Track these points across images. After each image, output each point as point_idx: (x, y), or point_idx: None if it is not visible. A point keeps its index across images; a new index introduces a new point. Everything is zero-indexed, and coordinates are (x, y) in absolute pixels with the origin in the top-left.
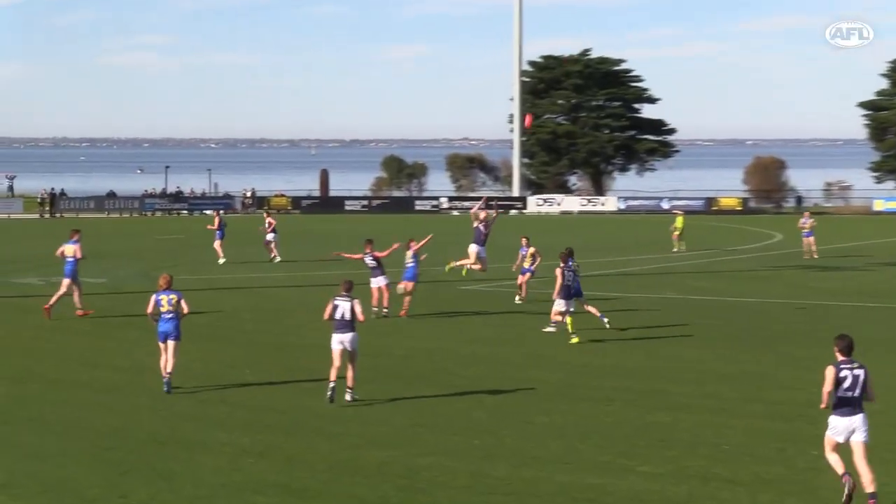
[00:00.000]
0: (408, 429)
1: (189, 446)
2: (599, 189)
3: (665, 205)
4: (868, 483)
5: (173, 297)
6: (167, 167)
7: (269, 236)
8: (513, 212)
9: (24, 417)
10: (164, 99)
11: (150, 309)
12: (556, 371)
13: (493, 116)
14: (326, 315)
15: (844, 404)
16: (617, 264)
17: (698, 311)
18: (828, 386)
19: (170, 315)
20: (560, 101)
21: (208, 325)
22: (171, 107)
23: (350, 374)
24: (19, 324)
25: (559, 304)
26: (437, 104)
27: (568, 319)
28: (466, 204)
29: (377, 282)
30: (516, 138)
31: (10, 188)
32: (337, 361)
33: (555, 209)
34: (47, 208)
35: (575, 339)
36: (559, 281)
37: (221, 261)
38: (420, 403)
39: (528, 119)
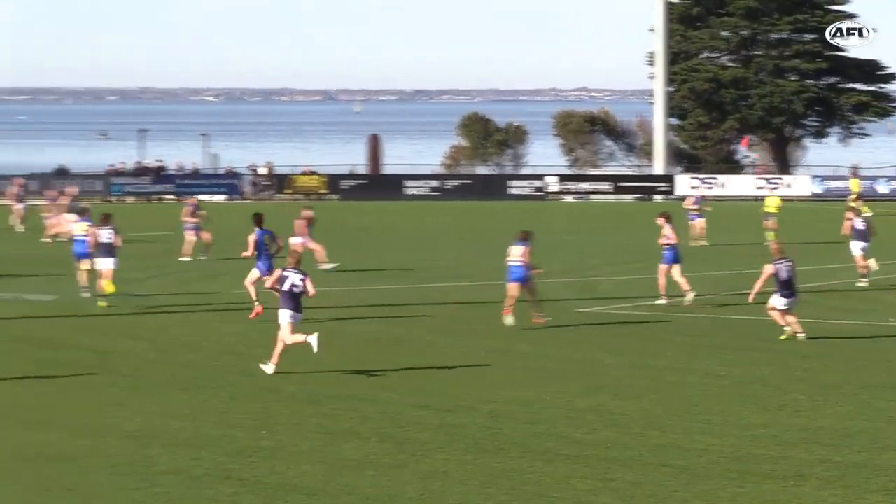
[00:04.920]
0: None
1: None
2: (783, 164)
3: (882, 187)
4: None
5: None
6: (143, 131)
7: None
8: (656, 197)
9: None
10: (139, 30)
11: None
12: (726, 435)
13: (623, 56)
14: None
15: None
16: (815, 275)
17: None
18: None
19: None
20: (724, 34)
21: (200, 364)
22: (148, 41)
23: None
24: None
25: None
26: (540, 38)
27: None
28: (585, 186)
29: None
30: (659, 88)
31: None
32: None
33: (716, 192)
34: None
35: None
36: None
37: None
38: (517, 483)
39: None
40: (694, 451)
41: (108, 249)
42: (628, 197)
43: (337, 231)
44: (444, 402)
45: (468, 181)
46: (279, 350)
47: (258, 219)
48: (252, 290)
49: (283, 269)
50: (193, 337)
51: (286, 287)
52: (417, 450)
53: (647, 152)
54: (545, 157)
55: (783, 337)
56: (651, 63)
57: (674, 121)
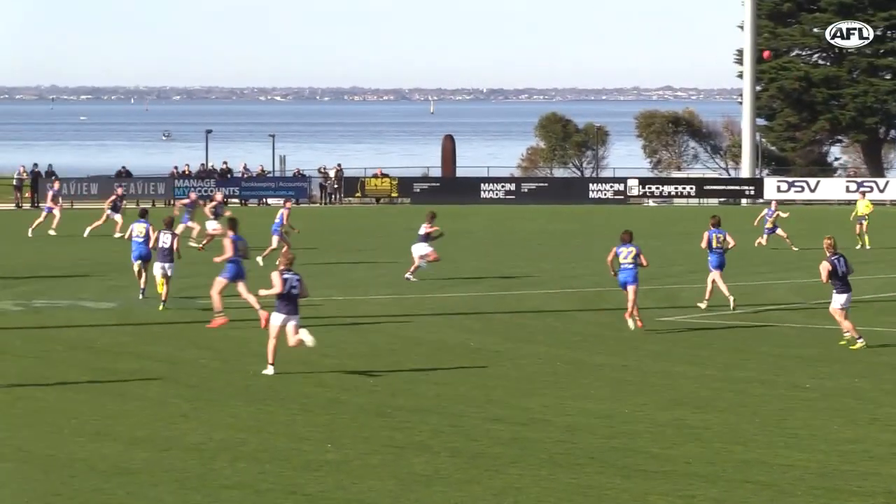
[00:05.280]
0: None
1: None
2: (877, 166)
3: None
4: None
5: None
6: (208, 132)
7: None
8: (743, 201)
9: None
10: (205, 30)
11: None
12: (812, 450)
13: (710, 54)
14: None
15: None
16: None
17: None
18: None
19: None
20: (816, 31)
21: (267, 375)
22: (213, 41)
23: None
24: None
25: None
26: (622, 35)
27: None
28: (668, 189)
29: None
30: (747, 87)
31: None
32: None
33: (805, 196)
34: (27, 194)
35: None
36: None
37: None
38: (594, 499)
39: (765, 54)
40: (779, 466)
41: (167, 254)
42: (713, 200)
43: (407, 236)
44: (517, 415)
45: (545, 184)
46: (272, 348)
47: (233, 223)
48: (218, 300)
49: (283, 272)
50: (260, 346)
51: (286, 289)
52: (490, 464)
53: (733, 154)
54: (627, 158)
55: (846, 344)
56: (739, 61)
57: (761, 121)
